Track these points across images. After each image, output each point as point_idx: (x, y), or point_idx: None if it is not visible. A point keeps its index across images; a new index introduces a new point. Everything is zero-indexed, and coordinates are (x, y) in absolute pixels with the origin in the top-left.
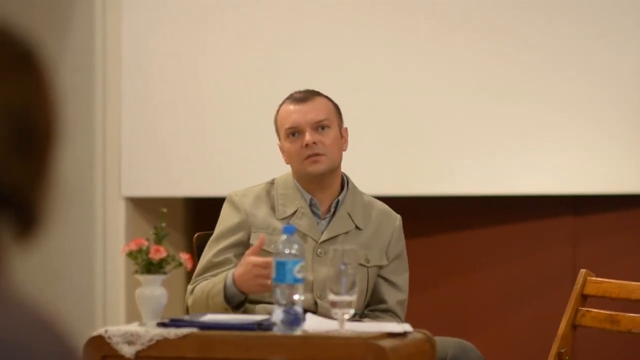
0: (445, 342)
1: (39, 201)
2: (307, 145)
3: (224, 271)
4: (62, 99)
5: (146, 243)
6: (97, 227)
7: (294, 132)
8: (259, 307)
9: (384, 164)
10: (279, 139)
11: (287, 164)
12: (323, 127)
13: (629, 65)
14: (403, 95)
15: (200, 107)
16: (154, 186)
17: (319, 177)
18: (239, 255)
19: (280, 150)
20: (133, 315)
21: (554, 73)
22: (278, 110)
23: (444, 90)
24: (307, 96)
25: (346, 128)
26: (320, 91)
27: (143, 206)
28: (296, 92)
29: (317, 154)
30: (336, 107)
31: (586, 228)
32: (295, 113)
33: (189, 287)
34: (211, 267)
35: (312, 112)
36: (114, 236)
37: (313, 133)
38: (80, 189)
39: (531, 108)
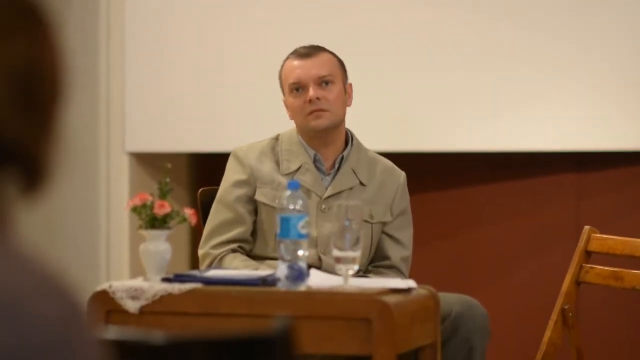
0: (449, 298)
1: (45, 157)
2: (310, 100)
3: (238, 228)
4: (66, 54)
5: (150, 198)
6: (100, 182)
7: (298, 88)
8: (265, 263)
9: (389, 120)
10: (283, 95)
11: (292, 119)
12: (327, 83)
13: (629, 26)
14: (408, 53)
15: (204, 62)
16: (157, 141)
17: (322, 132)
18: (249, 211)
19: (285, 105)
20: (137, 270)
21: (556, 34)
22: (282, 66)
23: (449, 49)
24: (311, 51)
25: (350, 84)
26: (325, 47)
27: (147, 161)
28: (300, 47)
29: (320, 109)
30: (341, 63)
31: (589, 185)
32: (299, 68)
33: (202, 250)
34: (224, 225)
35: (315, 67)
36: (117, 191)
37: (316, 88)
38: (84, 145)
39: (533, 68)
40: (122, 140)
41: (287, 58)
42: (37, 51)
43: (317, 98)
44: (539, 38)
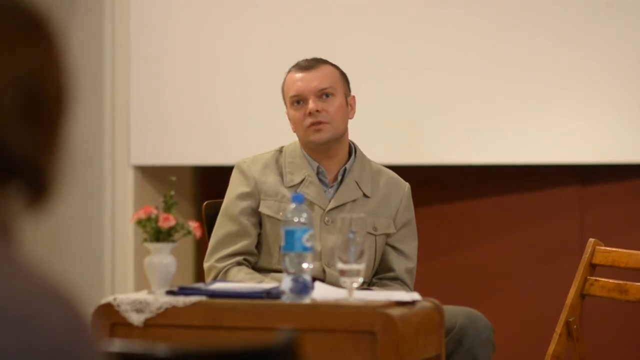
0: (454, 311)
1: (50, 170)
2: (310, 113)
3: (242, 241)
4: (72, 67)
5: (155, 211)
6: (106, 195)
7: (299, 100)
8: (269, 276)
9: (393, 132)
10: (286, 107)
11: (294, 132)
12: (327, 95)
13: (634, 38)
14: (412, 65)
15: (209, 76)
16: (162, 155)
17: (324, 145)
18: (254, 223)
19: (288, 118)
20: (141, 283)
21: (562, 46)
22: (285, 79)
23: (454, 61)
24: (312, 64)
25: (354, 96)
26: (328, 59)
27: (151, 174)
28: (302, 60)
29: (320, 122)
30: (343, 75)
31: (594, 197)
32: (300, 81)
33: (207, 264)
34: (229, 238)
35: (316, 80)
36: (122, 204)
37: (317, 101)
38: (89, 158)
39: (539, 79)
40: (127, 154)
41: (289, 71)
42: (42, 64)
43: (317, 110)
44: (544, 50)
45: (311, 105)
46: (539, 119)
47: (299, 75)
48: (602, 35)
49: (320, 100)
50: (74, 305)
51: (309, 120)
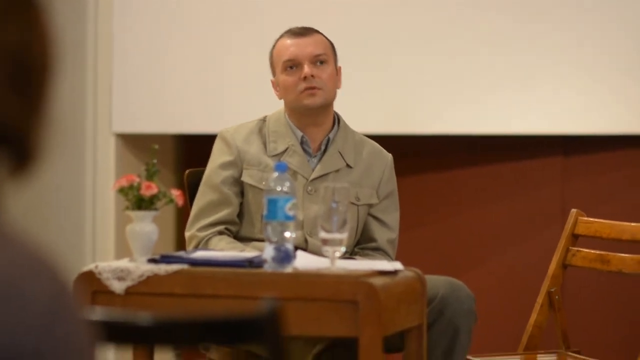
0: (435, 281)
1: (35, 138)
2: (305, 77)
3: (224, 210)
4: (56, 36)
5: (137, 179)
6: (87, 163)
7: (292, 65)
8: (251, 244)
9: (376, 103)
10: (273, 74)
11: (281, 99)
12: (321, 62)
13: (616, 9)
14: (396, 36)
15: (192, 44)
16: (144, 122)
17: (313, 111)
18: (236, 193)
19: (273, 86)
20: (122, 251)
21: (545, 17)
22: (274, 45)
23: (437, 32)
24: (305, 31)
25: (340, 67)
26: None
27: (133, 143)
28: (294, 27)
29: (314, 87)
30: (332, 45)
31: (576, 168)
32: (294, 46)
33: (189, 233)
34: (210, 207)
35: (310, 45)
36: (104, 172)
37: (311, 66)
38: (71, 126)
39: (522, 50)
40: (109, 121)
41: (280, 37)
42: (28, 34)
43: (312, 75)
44: (527, 22)
45: (307, 69)
46: (522, 90)
47: (292, 41)
48: (584, 7)
49: (315, 67)
50: (58, 275)
51: (304, 85)
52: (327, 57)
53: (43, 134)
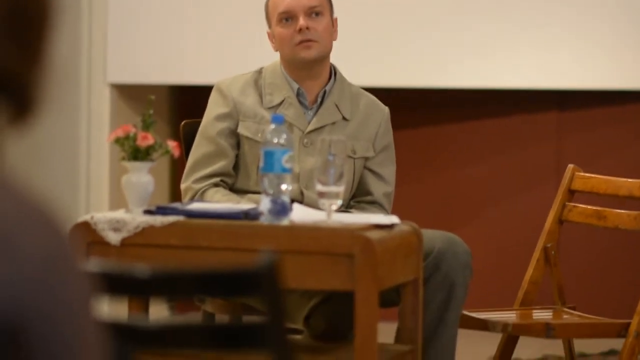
0: (432, 235)
1: (34, 86)
2: (300, 30)
3: (220, 162)
4: None
5: (133, 130)
6: (82, 113)
7: (287, 17)
8: (246, 197)
9: (372, 55)
10: (269, 26)
11: (276, 51)
12: (316, 14)
13: None
14: None
15: None
16: (139, 73)
17: (309, 64)
18: (232, 144)
19: (269, 37)
20: (116, 203)
21: None
22: None
23: None
24: None
25: (336, 18)
26: None
27: (128, 93)
28: None
29: (309, 40)
30: None
31: (571, 123)
32: None
33: (184, 185)
34: (206, 159)
35: None
36: (98, 123)
37: (306, 18)
38: (66, 76)
39: (517, 6)
40: (104, 71)
41: None
42: None
43: (307, 28)
44: None
45: (302, 22)
46: (515, 46)
47: None
48: None
49: (310, 19)
50: (55, 226)
51: (299, 38)
52: (322, 8)
53: (41, 82)
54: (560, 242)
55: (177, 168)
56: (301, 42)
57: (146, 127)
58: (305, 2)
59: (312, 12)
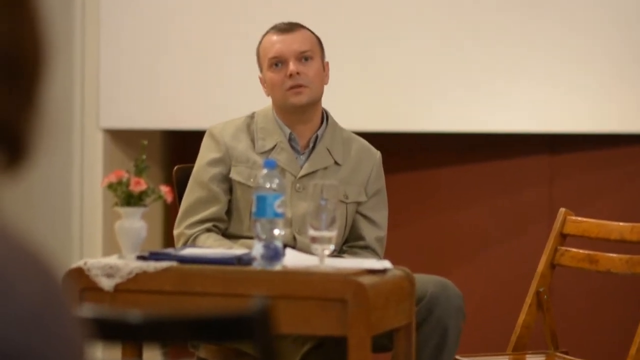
0: (424, 280)
1: (27, 133)
2: (290, 75)
3: (212, 207)
4: (48, 30)
5: (126, 175)
6: (75, 158)
7: (278, 62)
8: (239, 242)
9: (364, 99)
10: (261, 71)
11: (268, 96)
12: (307, 58)
13: (607, 7)
14: (383, 33)
15: (179, 39)
16: (132, 118)
17: (300, 109)
18: (224, 190)
19: (261, 82)
20: (110, 248)
21: (533, 12)
22: (261, 41)
23: (423, 29)
24: (291, 27)
25: (328, 62)
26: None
27: (121, 138)
28: (280, 23)
29: (300, 85)
30: (319, 40)
31: (563, 167)
32: (279, 43)
33: (177, 230)
34: (198, 204)
35: (296, 42)
36: (91, 168)
37: (297, 63)
38: (59, 121)
39: (509, 47)
40: (97, 117)
41: (267, 33)
42: (19, 26)
43: (297, 73)
44: (514, 19)
45: (292, 67)
46: (508, 88)
47: (278, 37)
48: (572, 5)
49: (300, 63)
50: (49, 270)
51: (289, 83)
52: (313, 53)
53: (34, 128)
54: (553, 286)
55: (170, 213)
56: (292, 87)
57: (139, 172)
58: (296, 47)
59: (303, 57)
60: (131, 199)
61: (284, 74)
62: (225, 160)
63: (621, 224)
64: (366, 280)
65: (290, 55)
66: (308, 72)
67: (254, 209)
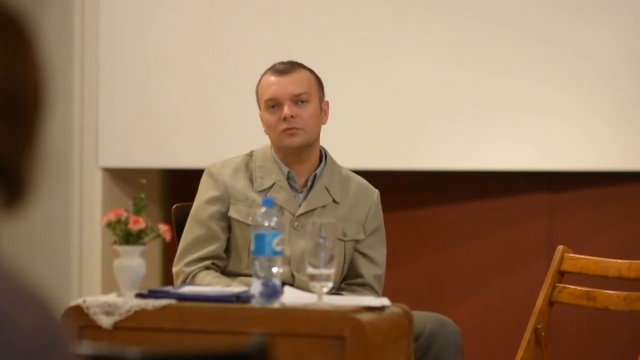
0: (423, 317)
1: (26, 171)
2: (284, 118)
3: (211, 245)
4: (46, 68)
5: (125, 214)
6: (74, 197)
7: (273, 104)
8: (238, 279)
9: (362, 137)
10: (260, 109)
11: (267, 134)
12: (302, 101)
13: (609, 41)
14: (382, 71)
15: (178, 79)
16: (131, 157)
17: (296, 150)
18: (223, 228)
19: (261, 119)
20: (109, 286)
21: (534, 49)
22: (259, 81)
23: (423, 65)
24: (288, 68)
25: (327, 102)
26: (301, 62)
27: (120, 177)
28: (278, 63)
29: (294, 128)
30: (318, 80)
31: (561, 204)
32: (275, 85)
33: (176, 268)
34: (197, 242)
35: (291, 84)
36: (90, 207)
37: (292, 106)
38: (58, 159)
39: (507, 85)
40: (96, 155)
41: (265, 73)
42: (19, 65)
43: (292, 116)
44: (514, 56)
45: (286, 110)
46: (506, 126)
47: (274, 79)
48: (575, 40)
49: (295, 106)
50: (48, 307)
51: (283, 126)
52: (308, 95)
53: (34, 166)
54: (551, 322)
55: (168, 251)
56: (285, 130)
57: (138, 211)
58: (291, 90)
59: (298, 100)
60: (130, 238)
61: (278, 116)
62: (224, 198)
63: (619, 261)
64: (364, 317)
65: (285, 98)
66: (303, 115)
67: (252, 247)
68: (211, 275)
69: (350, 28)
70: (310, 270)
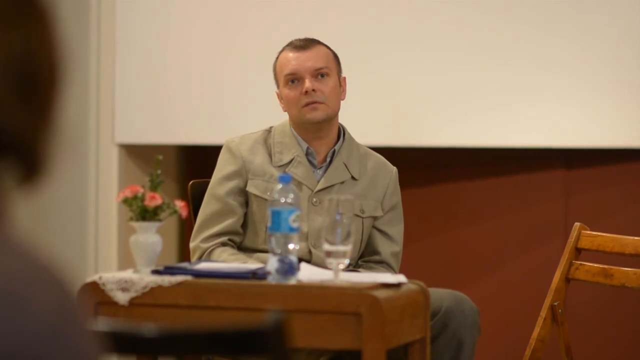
0: (439, 294)
1: (43, 147)
2: (306, 92)
3: (228, 220)
4: (64, 45)
5: (141, 190)
6: (90, 174)
7: (294, 79)
8: (254, 256)
9: (381, 115)
10: (277, 87)
11: (285, 111)
12: (322, 75)
13: (621, 23)
14: (400, 48)
15: (195, 54)
16: (147, 133)
17: (316, 125)
18: (240, 203)
19: (278, 97)
20: (125, 262)
21: (549, 30)
22: (277, 57)
23: (441, 45)
24: (307, 44)
25: (344, 77)
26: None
27: (136, 153)
28: (296, 40)
29: (315, 102)
30: (335, 56)
31: (578, 181)
32: (295, 60)
33: (193, 243)
34: (214, 217)
35: (311, 59)
36: (106, 183)
37: (312, 80)
38: (74, 136)
39: (525, 64)
40: (112, 132)
41: (283, 50)
42: (36, 42)
43: (313, 90)
44: (530, 34)
45: (307, 84)
46: (524, 103)
47: (293, 54)
48: (587, 21)
49: (316, 80)
50: (64, 285)
51: (305, 100)
52: (328, 70)
53: (50, 143)
54: (568, 300)
55: (185, 228)
56: (307, 104)
57: (154, 187)
58: (311, 64)
59: (318, 74)
60: (146, 214)
61: (299, 90)
62: (242, 173)
63: (636, 238)
64: (381, 294)
65: (306, 72)
66: (324, 89)
67: (268, 224)
68: (227, 252)
69: (366, 4)
70: (326, 246)
